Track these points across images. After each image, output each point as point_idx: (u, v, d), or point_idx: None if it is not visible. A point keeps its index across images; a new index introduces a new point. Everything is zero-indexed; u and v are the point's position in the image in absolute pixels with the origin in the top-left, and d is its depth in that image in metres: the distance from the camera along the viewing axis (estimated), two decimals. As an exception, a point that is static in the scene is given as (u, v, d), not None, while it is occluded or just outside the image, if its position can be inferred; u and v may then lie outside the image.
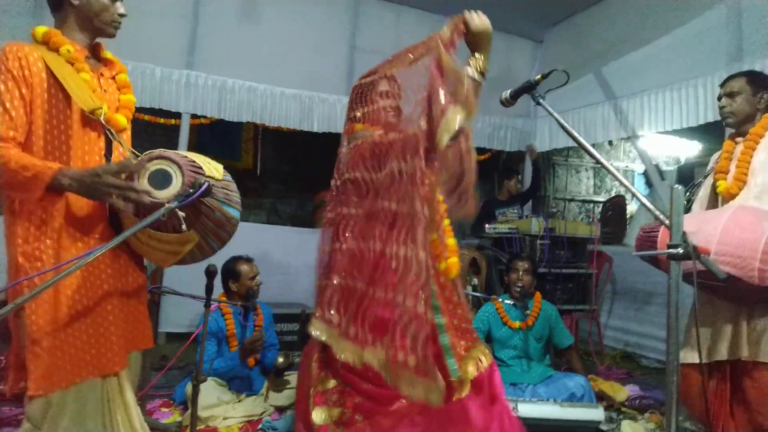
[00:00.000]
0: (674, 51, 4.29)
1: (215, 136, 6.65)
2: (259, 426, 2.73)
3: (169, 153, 1.50)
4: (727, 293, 2.01)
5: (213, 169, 1.57)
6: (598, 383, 3.46)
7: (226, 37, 4.61)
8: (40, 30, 1.56)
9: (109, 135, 1.58)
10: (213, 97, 4.52)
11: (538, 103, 1.75)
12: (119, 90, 1.69)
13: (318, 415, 1.79)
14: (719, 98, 2.30)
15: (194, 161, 1.52)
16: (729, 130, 2.36)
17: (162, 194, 1.44)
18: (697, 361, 2.08)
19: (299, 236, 5.09)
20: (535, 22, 5.63)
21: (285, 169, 6.94)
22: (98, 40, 1.68)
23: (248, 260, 3.18)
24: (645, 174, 4.98)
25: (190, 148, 4.67)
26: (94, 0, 1.58)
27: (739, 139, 2.25)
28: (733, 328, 2.07)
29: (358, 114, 1.99)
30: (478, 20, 1.67)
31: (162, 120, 4.67)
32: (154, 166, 1.48)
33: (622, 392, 3.38)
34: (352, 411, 1.75)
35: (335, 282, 1.79)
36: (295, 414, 2.09)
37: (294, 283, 4.78)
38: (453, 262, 1.83)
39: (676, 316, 1.24)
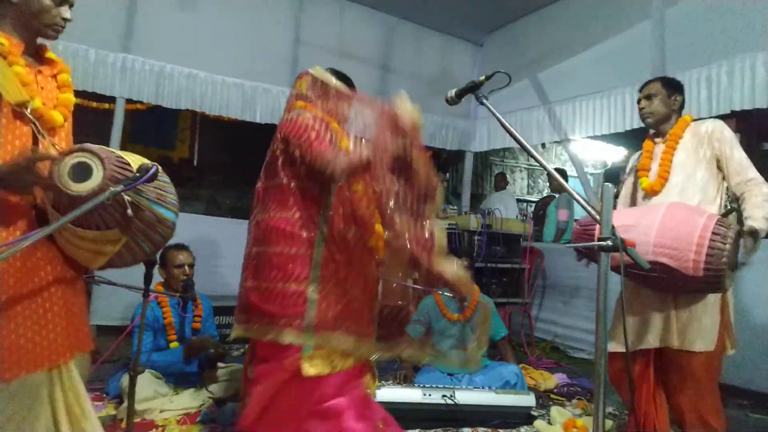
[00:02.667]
0: (604, 61, 4.57)
1: (150, 123, 6.42)
2: (198, 418, 2.69)
3: (91, 146, 1.44)
4: (657, 284, 2.14)
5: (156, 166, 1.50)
6: (529, 372, 3.65)
7: (166, 22, 4.46)
8: None
9: (34, 129, 1.52)
10: (150, 83, 4.36)
11: (482, 103, 1.83)
12: (59, 89, 1.65)
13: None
14: (638, 101, 2.49)
15: (121, 157, 1.46)
16: (641, 119, 2.55)
17: (79, 187, 1.38)
18: (623, 350, 2.20)
19: (239, 228, 4.98)
20: (475, 26, 5.81)
21: (224, 160, 6.80)
22: (42, 41, 1.65)
23: (179, 247, 3.07)
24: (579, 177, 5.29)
25: (124, 135, 4.49)
26: (33, 0, 1.53)
27: (658, 139, 2.43)
28: (662, 318, 2.21)
29: (309, 94, 2.03)
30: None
31: (95, 104, 4.48)
32: (74, 158, 1.41)
33: (551, 380, 3.58)
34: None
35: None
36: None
37: (233, 276, 4.66)
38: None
39: (604, 305, 1.35)
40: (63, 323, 1.53)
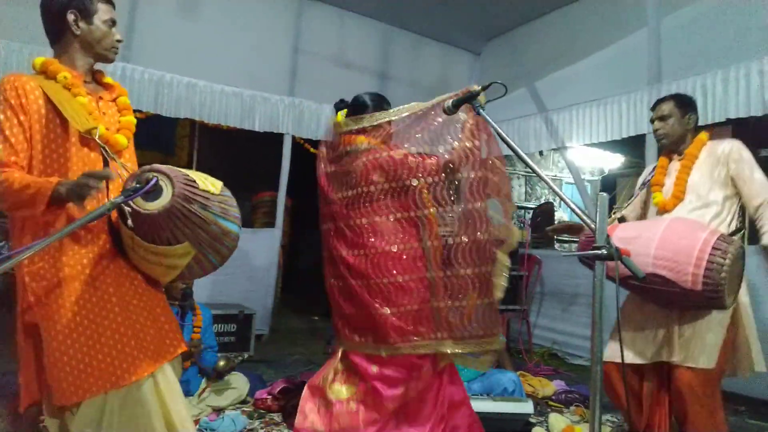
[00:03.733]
0: (600, 69, 4.61)
1: (149, 131, 6.43)
2: (197, 427, 2.69)
3: (160, 166, 1.51)
4: (658, 297, 2.15)
5: (209, 184, 1.58)
6: (527, 379, 3.65)
7: (166, 31, 4.49)
8: (39, 60, 1.64)
9: (105, 153, 1.63)
10: (149, 91, 4.39)
11: (478, 113, 1.86)
12: (120, 112, 1.76)
13: (336, 391, 2.25)
14: (652, 121, 2.47)
15: (188, 175, 1.53)
16: (650, 145, 2.55)
17: (151, 206, 1.45)
18: (618, 361, 2.24)
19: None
20: (473, 35, 5.85)
21: (222, 168, 6.79)
22: (97, 66, 1.76)
23: None
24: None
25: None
26: (95, 28, 1.66)
27: (674, 156, 2.43)
28: (665, 333, 2.20)
29: (365, 128, 2.31)
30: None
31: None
32: (144, 178, 1.48)
33: (549, 387, 3.59)
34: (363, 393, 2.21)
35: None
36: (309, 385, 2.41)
37: (232, 284, 4.72)
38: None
39: (600, 313, 1.36)
40: (147, 332, 1.61)
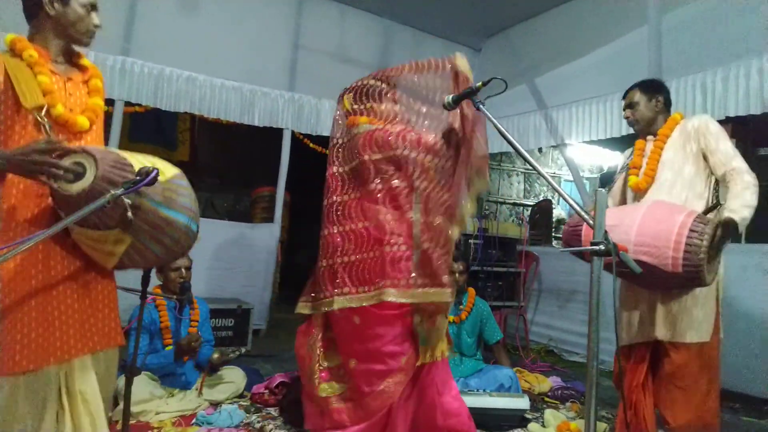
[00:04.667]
0: (600, 66, 4.60)
1: (149, 125, 6.43)
2: (193, 420, 2.70)
3: (89, 147, 1.48)
4: (644, 281, 2.19)
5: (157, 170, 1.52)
6: (524, 375, 3.66)
7: (165, 25, 4.48)
8: (9, 37, 1.61)
9: (44, 131, 1.57)
10: (149, 85, 4.38)
11: (479, 109, 1.86)
12: (89, 94, 1.72)
13: (324, 389, 2.24)
14: (624, 110, 2.55)
15: (123, 158, 1.49)
16: (629, 127, 2.61)
17: (69, 187, 1.41)
18: (621, 344, 2.32)
19: (236, 231, 5.02)
20: (474, 31, 5.84)
21: (222, 163, 6.81)
22: (76, 48, 1.73)
23: None
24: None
25: (123, 136, 4.50)
26: (70, 11, 1.63)
27: (649, 137, 2.49)
28: (653, 312, 2.26)
29: (362, 108, 2.42)
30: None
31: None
32: (70, 158, 1.44)
33: (545, 383, 3.60)
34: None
35: (344, 260, 2.26)
36: (302, 390, 2.44)
37: (230, 279, 4.72)
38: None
39: (597, 308, 1.37)
40: (76, 318, 1.59)
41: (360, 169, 2.31)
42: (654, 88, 2.48)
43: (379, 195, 2.26)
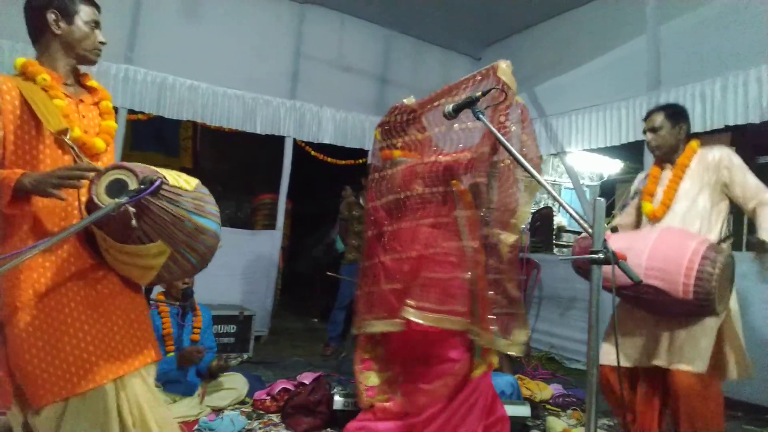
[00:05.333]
0: (600, 75, 4.64)
1: (152, 133, 6.47)
2: (196, 427, 2.70)
3: (127, 163, 1.49)
4: (649, 306, 2.18)
5: (182, 181, 1.56)
6: (525, 383, 3.66)
7: (168, 34, 4.53)
8: (19, 61, 1.63)
9: (74, 154, 1.60)
10: (152, 94, 4.43)
11: (478, 118, 1.87)
12: (101, 116, 1.73)
13: (367, 378, 2.38)
14: (644, 132, 2.51)
15: (157, 172, 1.50)
16: (649, 151, 2.57)
17: (114, 202, 1.41)
18: (613, 363, 2.27)
19: (238, 238, 5.04)
20: (473, 40, 5.89)
21: (223, 170, 6.85)
22: (83, 69, 1.74)
23: None
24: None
25: (126, 144, 4.53)
26: (75, 29, 1.64)
27: (666, 165, 2.45)
28: (655, 339, 2.23)
29: (398, 143, 2.49)
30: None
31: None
32: (111, 175, 1.45)
33: (546, 391, 3.60)
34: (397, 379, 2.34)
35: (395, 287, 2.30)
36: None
37: (232, 286, 4.74)
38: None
39: (597, 316, 1.38)
40: (119, 337, 1.59)
41: (408, 201, 2.36)
42: (679, 114, 2.44)
43: (429, 221, 2.32)
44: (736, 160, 2.28)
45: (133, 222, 1.47)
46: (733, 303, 2.21)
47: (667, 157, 2.44)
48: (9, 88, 1.55)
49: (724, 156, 2.30)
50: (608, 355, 2.33)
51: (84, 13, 1.65)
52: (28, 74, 1.61)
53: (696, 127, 3.70)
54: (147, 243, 1.49)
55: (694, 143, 2.41)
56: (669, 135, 2.40)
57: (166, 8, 4.54)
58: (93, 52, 1.69)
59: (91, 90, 1.76)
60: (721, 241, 2.24)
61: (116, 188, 1.44)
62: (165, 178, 1.49)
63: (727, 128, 3.73)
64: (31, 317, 1.49)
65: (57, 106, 1.59)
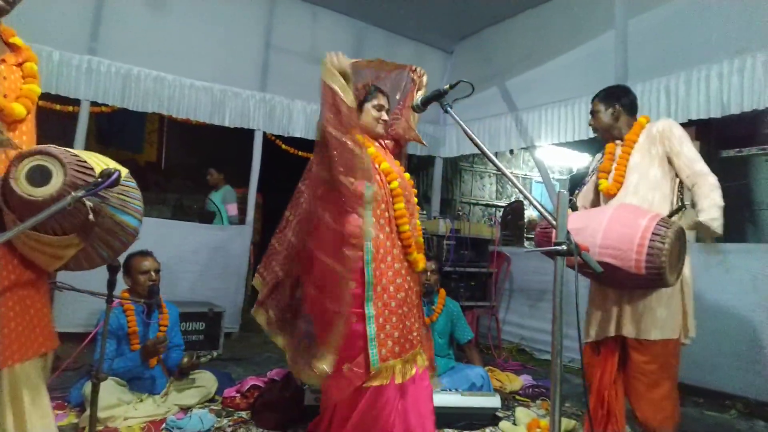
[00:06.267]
0: (569, 70, 4.70)
1: (116, 126, 6.31)
2: (163, 425, 2.65)
3: (53, 149, 1.40)
4: (610, 281, 2.27)
5: (119, 172, 1.46)
6: (495, 374, 3.71)
7: (133, 24, 4.40)
8: None
9: None
10: (116, 85, 4.30)
11: (446, 111, 1.87)
12: (23, 78, 1.58)
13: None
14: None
15: (84, 161, 1.42)
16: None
17: (37, 192, 1.34)
18: (590, 340, 2.39)
19: (206, 233, 4.96)
20: (446, 34, 5.89)
21: (192, 164, 6.72)
22: (5, 23, 1.58)
23: (144, 254, 3.02)
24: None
25: (89, 138, 4.41)
26: None
27: (618, 142, 2.56)
28: (619, 310, 2.34)
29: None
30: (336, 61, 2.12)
31: (58, 106, 4.34)
32: (33, 161, 1.37)
33: (516, 382, 3.65)
34: None
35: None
36: None
37: (201, 282, 4.66)
38: (422, 258, 2.21)
39: (560, 306, 1.40)
40: (14, 325, 1.48)
41: None
42: (612, 96, 2.57)
43: None
44: (677, 131, 2.36)
45: (91, 217, 1.42)
46: (686, 269, 2.30)
47: (607, 136, 2.58)
48: None
49: (666, 127, 2.38)
50: (587, 332, 2.42)
51: None
52: None
53: (661, 120, 3.78)
54: (61, 235, 1.43)
55: (642, 119, 2.52)
56: (603, 115, 2.55)
57: (130, -3, 4.41)
58: None
59: (14, 48, 1.59)
60: (673, 213, 2.32)
61: (38, 175, 1.36)
62: (91, 169, 1.42)
63: (691, 122, 3.81)
64: None
65: None
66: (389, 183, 2.13)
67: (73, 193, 1.35)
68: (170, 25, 4.54)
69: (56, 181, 1.36)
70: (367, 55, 5.55)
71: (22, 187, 1.35)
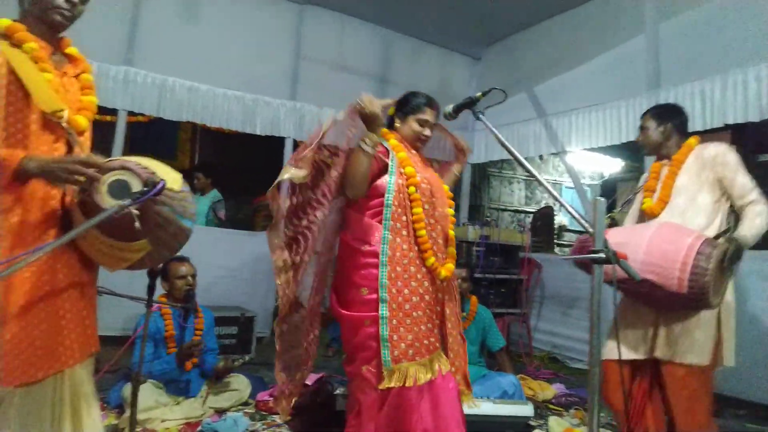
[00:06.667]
0: (599, 75, 4.64)
1: (151, 134, 6.47)
2: (199, 428, 2.71)
3: (131, 164, 1.47)
4: (648, 299, 2.22)
5: (172, 180, 1.55)
6: (527, 382, 3.67)
7: (168, 35, 4.54)
8: (3, 23, 1.50)
9: (71, 139, 1.53)
10: (152, 95, 4.43)
11: (478, 119, 1.89)
12: (81, 90, 1.63)
13: None
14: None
15: (155, 173, 1.49)
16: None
17: (120, 204, 1.41)
18: (615, 358, 2.27)
19: (238, 239, 5.05)
20: (473, 40, 5.88)
21: (224, 171, 6.84)
22: (62, 34, 1.63)
23: (181, 259, 3.10)
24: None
25: (125, 146, 4.53)
26: None
27: (665, 161, 2.51)
28: (653, 331, 2.27)
29: None
30: (369, 105, 1.98)
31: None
32: (114, 176, 1.44)
33: (549, 390, 3.61)
34: None
35: None
36: None
37: (232, 287, 4.74)
38: (447, 267, 2.14)
39: (598, 314, 1.39)
40: (75, 326, 1.55)
41: None
42: (665, 113, 2.51)
43: None
44: (731, 158, 2.30)
45: (137, 224, 1.48)
46: (729, 294, 2.24)
47: (657, 152, 2.53)
48: None
49: (720, 153, 2.32)
50: (611, 350, 2.35)
51: None
52: (14, 39, 1.47)
53: (696, 125, 3.71)
54: (133, 241, 1.49)
55: (692, 140, 2.45)
56: (653, 132, 2.49)
57: (165, 9, 4.54)
58: (54, 11, 1.53)
59: (71, 59, 1.64)
60: (718, 236, 2.26)
61: (118, 189, 1.43)
62: (163, 179, 1.48)
63: (726, 126, 3.73)
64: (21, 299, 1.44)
65: (47, 80, 1.48)
66: (407, 187, 2.10)
67: (121, 202, 1.40)
68: (203, 36, 4.66)
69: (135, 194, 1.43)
70: (394, 62, 5.63)
71: (104, 200, 1.41)
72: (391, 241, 2.04)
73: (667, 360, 2.22)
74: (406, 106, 2.23)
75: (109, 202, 1.41)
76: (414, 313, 2.01)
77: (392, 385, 1.94)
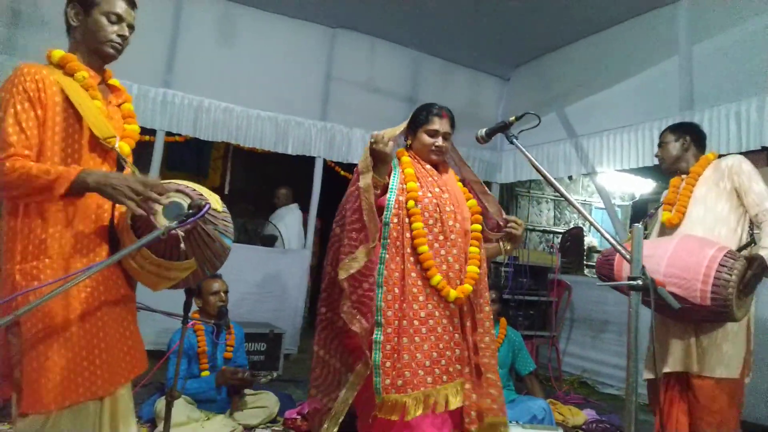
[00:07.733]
0: (631, 95, 4.60)
1: (184, 152, 6.64)
2: (229, 444, 2.74)
3: (185, 187, 1.54)
4: (673, 313, 2.18)
5: (214, 200, 1.60)
6: (557, 407, 3.60)
7: (204, 58, 4.69)
8: (57, 53, 1.58)
9: (122, 162, 1.61)
10: (189, 116, 4.57)
11: (512, 143, 1.91)
12: (124, 119, 1.71)
13: None
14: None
15: (202, 194, 1.57)
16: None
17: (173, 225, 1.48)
18: (651, 377, 2.34)
19: (268, 256, 5.12)
20: (502, 61, 5.90)
21: (255, 189, 6.96)
22: (106, 66, 1.71)
23: (213, 276, 3.13)
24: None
25: (163, 165, 4.67)
26: (92, 21, 1.59)
27: (683, 175, 2.55)
28: (683, 344, 2.28)
29: None
30: (380, 142, 1.97)
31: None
32: (169, 198, 1.51)
33: (579, 416, 3.53)
34: None
35: None
36: None
37: (261, 303, 4.80)
38: (462, 288, 1.99)
39: (635, 341, 1.37)
40: (119, 347, 1.57)
41: None
42: (683, 127, 2.60)
43: None
44: (746, 167, 2.34)
45: (182, 246, 1.53)
46: (753, 306, 2.24)
47: (673, 168, 2.58)
48: (51, 82, 1.50)
49: (735, 163, 2.37)
50: (645, 371, 2.38)
51: (105, 3, 1.59)
52: (67, 69, 1.55)
53: (731, 148, 3.65)
54: (182, 259, 1.54)
55: (711, 154, 2.51)
56: (671, 147, 2.56)
57: (202, 33, 4.70)
58: (107, 44, 1.60)
59: (113, 89, 1.72)
60: (742, 247, 2.26)
61: (172, 211, 1.50)
62: (209, 201, 1.54)
63: (763, 149, 3.66)
64: (64, 321, 1.46)
65: (98, 107, 1.56)
66: (406, 201, 2.01)
67: (167, 224, 1.46)
68: (238, 59, 4.80)
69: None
70: (424, 83, 5.69)
71: (161, 220, 1.47)
72: (388, 260, 1.95)
73: (696, 373, 2.22)
74: (414, 121, 2.18)
75: (164, 223, 1.46)
76: (416, 338, 1.88)
77: (380, 415, 1.83)
